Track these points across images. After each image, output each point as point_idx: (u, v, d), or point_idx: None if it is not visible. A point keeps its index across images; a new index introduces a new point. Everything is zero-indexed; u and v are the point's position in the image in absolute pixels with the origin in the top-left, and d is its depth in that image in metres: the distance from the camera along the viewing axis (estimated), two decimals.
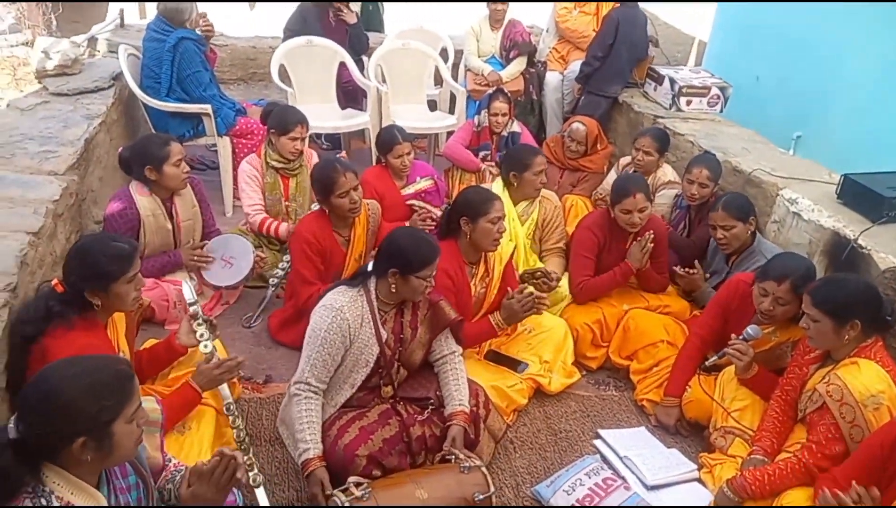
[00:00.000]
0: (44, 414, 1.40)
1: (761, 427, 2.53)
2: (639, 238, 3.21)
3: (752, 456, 2.45)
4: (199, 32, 4.24)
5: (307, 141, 3.76)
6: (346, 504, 2.04)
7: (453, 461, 2.28)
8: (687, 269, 3.29)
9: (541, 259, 3.56)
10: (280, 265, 3.45)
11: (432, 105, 5.45)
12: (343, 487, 2.11)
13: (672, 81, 4.73)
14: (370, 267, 2.39)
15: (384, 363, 2.39)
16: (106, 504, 1.50)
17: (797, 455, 2.27)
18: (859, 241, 2.83)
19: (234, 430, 2.30)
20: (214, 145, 4.37)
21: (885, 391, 2.17)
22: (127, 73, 4.18)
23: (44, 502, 1.39)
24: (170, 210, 3.18)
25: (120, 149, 3.20)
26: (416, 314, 2.47)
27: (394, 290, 2.34)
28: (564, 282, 3.34)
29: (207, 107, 4.14)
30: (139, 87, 4.18)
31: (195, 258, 3.25)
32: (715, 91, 4.73)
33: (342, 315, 2.29)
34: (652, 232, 3.15)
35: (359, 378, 2.38)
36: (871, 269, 2.74)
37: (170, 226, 3.19)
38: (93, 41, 5.24)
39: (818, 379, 2.34)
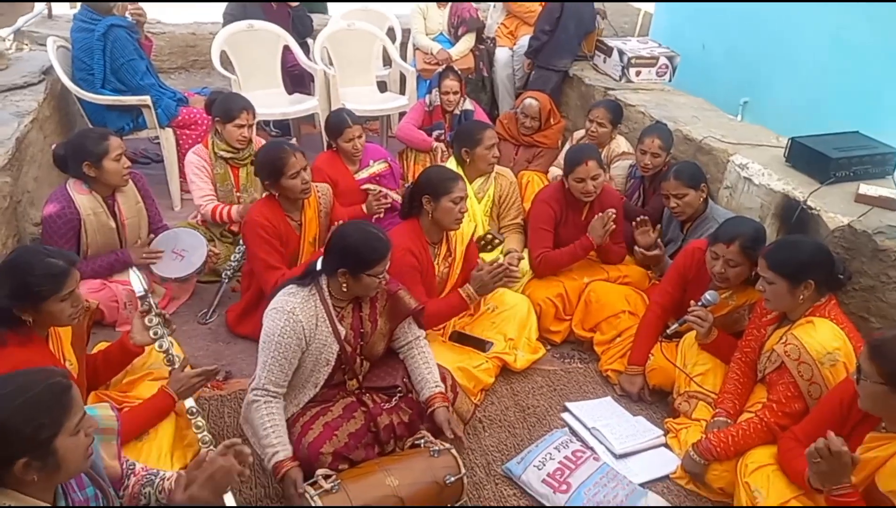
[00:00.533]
0: None
1: (723, 389, 2.58)
2: (598, 212, 3.21)
3: (715, 419, 2.49)
4: (129, 19, 4.05)
5: (255, 128, 3.64)
6: (316, 498, 2.00)
7: (423, 445, 2.26)
8: (642, 250, 3.29)
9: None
10: (232, 257, 3.36)
11: (382, 86, 5.36)
12: (311, 481, 2.08)
13: (621, 53, 4.74)
14: (319, 266, 2.29)
15: (345, 359, 2.34)
16: None
17: (758, 415, 2.32)
18: (809, 202, 2.89)
19: (198, 433, 2.22)
20: (157, 138, 4.20)
21: (841, 348, 2.22)
22: (57, 67, 3.98)
23: None
24: (112, 208, 3.04)
25: (54, 146, 3.03)
26: (374, 307, 2.40)
27: (345, 289, 2.26)
28: (525, 259, 3.34)
29: (146, 98, 3.98)
30: (71, 81, 3.98)
31: (145, 256, 3.12)
32: (663, 61, 4.75)
33: (294, 317, 2.20)
34: (614, 209, 3.15)
35: (321, 377, 2.32)
36: (820, 229, 2.80)
37: (113, 225, 3.05)
38: (19, 34, 4.97)
39: (776, 339, 2.39)
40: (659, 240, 3.31)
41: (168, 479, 1.76)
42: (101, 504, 1.58)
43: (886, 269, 2.56)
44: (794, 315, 2.38)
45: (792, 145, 3.22)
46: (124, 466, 1.80)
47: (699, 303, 2.68)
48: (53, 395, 1.40)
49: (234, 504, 2.04)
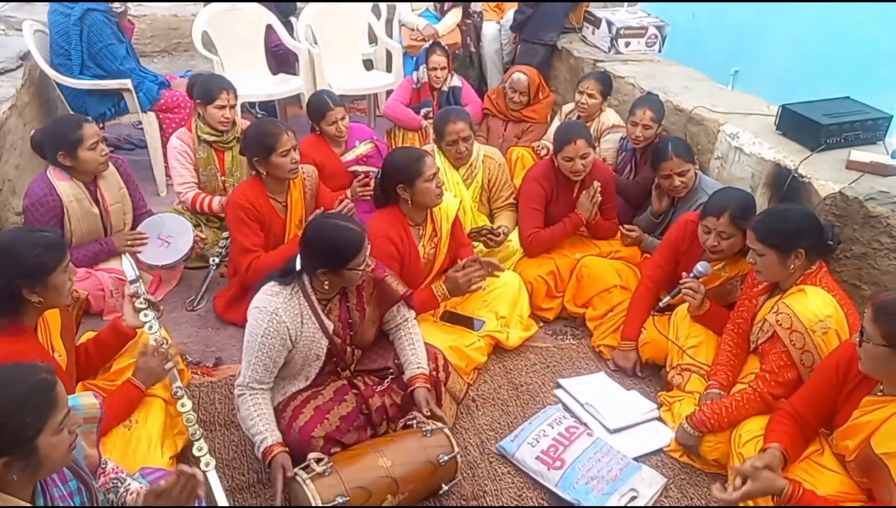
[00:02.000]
0: None
1: (716, 361, 2.57)
2: (586, 187, 3.18)
3: (708, 391, 2.49)
4: (106, 3, 3.95)
5: (239, 110, 3.58)
6: (308, 482, 1.99)
7: (415, 426, 2.25)
8: (627, 228, 3.28)
9: (491, 218, 3.50)
10: (220, 243, 3.32)
11: (368, 64, 5.27)
12: (303, 465, 2.06)
13: (609, 24, 4.66)
14: (297, 265, 2.23)
15: (336, 352, 2.31)
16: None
17: (752, 386, 2.31)
18: (799, 170, 2.86)
19: (184, 417, 2.20)
20: (140, 123, 4.13)
21: (832, 314, 2.21)
22: (35, 52, 3.89)
23: None
24: (94, 194, 2.99)
25: (32, 133, 2.96)
26: (361, 296, 2.36)
27: (328, 286, 2.22)
28: (515, 236, 3.31)
29: (127, 82, 3.89)
30: (50, 66, 3.89)
31: (129, 242, 3.07)
32: (652, 31, 4.68)
33: (278, 318, 2.16)
34: (598, 182, 3.12)
35: (313, 371, 2.30)
36: (812, 197, 2.77)
37: (97, 211, 3.00)
38: None
39: (767, 309, 2.38)
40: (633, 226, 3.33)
41: (132, 492, 1.72)
42: (84, 497, 1.56)
43: (878, 236, 2.54)
44: (785, 284, 2.36)
45: (782, 112, 3.18)
46: (100, 458, 1.77)
47: (691, 275, 2.66)
48: (39, 393, 1.37)
49: (220, 489, 2.06)
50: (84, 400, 1.80)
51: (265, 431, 2.12)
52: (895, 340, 1.78)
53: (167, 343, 2.35)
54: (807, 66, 4.64)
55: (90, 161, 2.88)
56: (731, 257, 2.68)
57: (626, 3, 5.65)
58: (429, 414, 2.26)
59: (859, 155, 2.82)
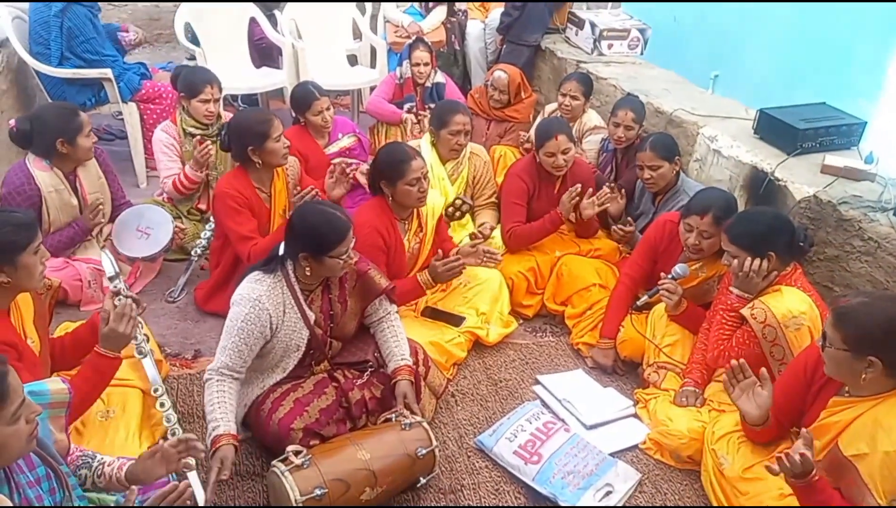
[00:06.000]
0: None
1: (691, 359, 2.62)
2: (568, 182, 3.21)
3: (683, 388, 2.53)
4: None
5: (222, 103, 3.55)
6: (287, 474, 1.99)
7: (394, 419, 2.26)
8: (620, 227, 3.30)
9: (473, 215, 3.52)
10: (202, 235, 3.29)
11: (352, 60, 5.26)
12: (282, 457, 2.06)
13: (593, 25, 4.71)
14: (281, 251, 2.23)
15: (316, 344, 2.31)
16: (9, 505, 1.39)
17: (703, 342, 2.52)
18: (776, 174, 2.92)
19: (164, 416, 2.18)
20: (120, 113, 4.08)
21: (807, 312, 2.26)
22: (14, 38, 3.83)
23: None
24: (73, 184, 2.96)
25: (13, 122, 2.91)
26: (343, 288, 2.37)
27: (309, 273, 2.21)
28: (497, 234, 3.33)
29: (107, 72, 3.85)
30: (28, 53, 3.84)
31: (91, 215, 3.00)
32: (635, 33, 4.74)
33: (260, 305, 2.15)
34: (579, 185, 3.14)
35: (291, 362, 2.29)
36: (787, 200, 2.83)
37: (76, 202, 2.97)
38: None
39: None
40: (629, 218, 3.33)
41: (108, 464, 1.71)
42: (53, 483, 1.54)
43: (850, 239, 2.61)
44: (760, 285, 2.40)
45: (760, 117, 3.24)
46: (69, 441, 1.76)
47: (669, 276, 2.70)
48: None
49: (200, 490, 2.04)
50: (52, 385, 1.76)
51: (220, 419, 2.09)
52: (855, 344, 1.81)
53: (146, 338, 2.32)
54: (785, 72, 4.73)
55: (87, 148, 2.87)
56: (708, 258, 2.72)
57: (609, 5, 5.72)
58: (402, 408, 2.26)
59: (834, 159, 2.89)
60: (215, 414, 2.11)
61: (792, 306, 2.27)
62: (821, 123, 3.07)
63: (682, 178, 3.18)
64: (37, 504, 1.48)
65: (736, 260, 2.36)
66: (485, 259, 2.90)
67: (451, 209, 3.23)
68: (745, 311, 2.34)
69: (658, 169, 3.07)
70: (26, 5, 3.91)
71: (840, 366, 1.88)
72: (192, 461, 2.04)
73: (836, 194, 2.69)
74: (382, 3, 5.25)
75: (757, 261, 2.32)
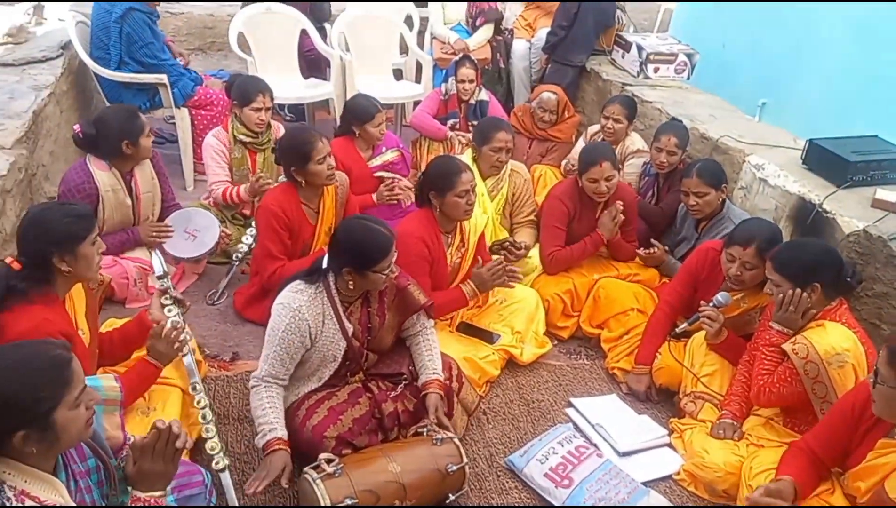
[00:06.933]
0: None
1: (730, 391, 2.57)
2: (609, 207, 3.20)
3: (721, 420, 2.48)
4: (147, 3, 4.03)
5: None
6: (318, 481, 2.01)
7: (425, 434, 2.26)
8: (647, 251, 3.28)
9: (511, 232, 3.53)
10: (244, 239, 3.36)
11: (398, 74, 5.34)
12: (314, 464, 2.08)
13: (640, 48, 4.70)
14: (325, 264, 2.27)
15: (353, 355, 2.34)
16: (64, 490, 1.43)
17: (744, 374, 2.51)
18: (824, 206, 2.86)
19: (199, 410, 2.23)
20: (172, 117, 4.21)
21: (851, 349, 2.20)
22: (76, 42, 3.99)
23: None
24: (129, 183, 3.06)
25: (78, 127, 2.99)
26: (382, 301, 2.39)
27: (352, 287, 2.24)
28: (535, 253, 3.33)
29: (163, 77, 3.98)
30: (90, 57, 3.98)
31: (154, 233, 3.13)
32: (682, 58, 4.71)
33: (300, 315, 2.19)
34: (621, 201, 3.14)
35: (327, 372, 2.32)
36: (835, 233, 2.77)
37: (129, 202, 3.07)
38: (39, 8, 4.97)
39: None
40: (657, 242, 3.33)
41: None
42: (101, 476, 1.58)
43: None
44: (803, 318, 2.35)
45: (809, 147, 3.19)
46: (126, 438, 1.80)
47: (711, 304, 2.66)
48: (54, 369, 1.40)
49: (232, 490, 2.08)
50: (105, 381, 1.83)
51: (274, 422, 2.14)
52: None
53: (184, 331, 2.37)
54: (835, 103, 4.62)
55: (148, 148, 2.99)
56: (751, 288, 2.68)
57: (656, 29, 5.70)
58: (435, 420, 2.27)
59: (885, 194, 2.82)
60: (268, 418, 2.15)
61: (835, 342, 2.21)
62: (873, 156, 3.00)
63: (728, 206, 3.13)
64: (86, 494, 1.52)
65: (778, 290, 2.32)
66: (506, 278, 2.87)
67: (496, 246, 3.24)
68: (787, 346, 2.29)
69: (704, 196, 3.04)
70: (90, 10, 4.06)
71: (892, 405, 1.83)
72: (223, 460, 2.09)
73: (887, 229, 2.63)
74: (430, 20, 5.32)
75: (798, 292, 2.28)
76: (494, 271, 2.77)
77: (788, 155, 3.34)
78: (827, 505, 2.01)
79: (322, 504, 1.98)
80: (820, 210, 2.86)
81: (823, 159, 3.10)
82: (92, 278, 2.19)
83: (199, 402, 2.25)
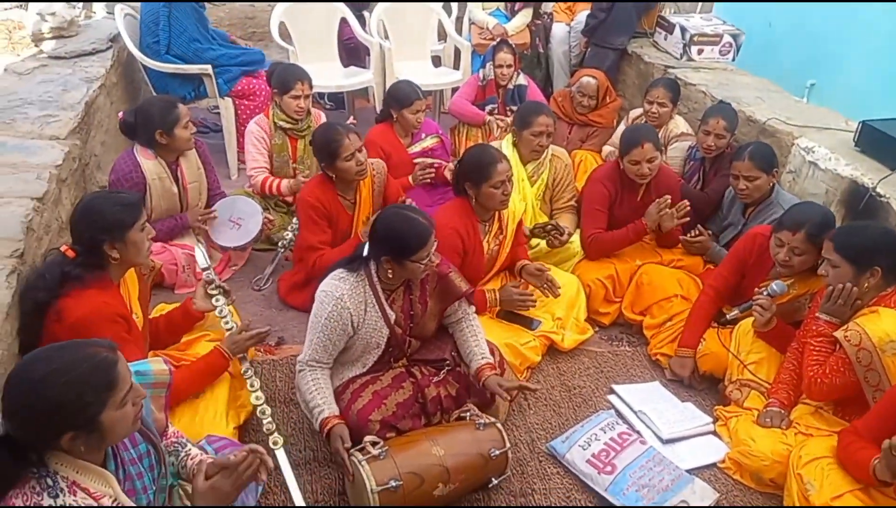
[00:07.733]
0: (25, 417, 1.35)
1: (777, 379, 2.52)
2: (654, 193, 3.13)
3: (768, 409, 2.44)
4: None
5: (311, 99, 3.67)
6: (364, 463, 2.05)
7: (468, 418, 2.28)
8: (691, 234, 3.22)
9: (551, 218, 3.50)
10: (289, 227, 3.42)
11: (436, 61, 5.33)
12: (359, 446, 2.12)
13: (683, 30, 4.59)
14: (365, 252, 2.29)
15: (395, 342, 2.36)
16: (114, 481, 1.47)
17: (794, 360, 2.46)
18: (878, 189, 2.77)
19: (252, 394, 2.29)
20: (216, 107, 4.28)
21: None
22: (124, 34, 4.08)
23: (49, 482, 1.37)
24: (175, 172, 3.14)
25: (121, 114, 3.12)
26: (424, 289, 2.41)
27: (391, 275, 2.26)
28: (576, 238, 3.30)
29: (208, 68, 4.05)
30: (138, 48, 4.08)
31: (200, 217, 3.20)
32: (727, 39, 4.59)
33: (343, 304, 2.21)
34: (668, 197, 3.07)
35: (370, 359, 2.35)
36: (890, 218, 2.69)
37: (176, 190, 3.15)
38: (88, 1, 5.11)
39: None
40: (701, 227, 3.25)
41: (192, 457, 1.79)
42: (153, 459, 1.62)
43: None
44: (852, 309, 2.29)
45: (862, 129, 3.08)
46: (167, 420, 1.85)
47: (765, 292, 2.59)
48: (100, 372, 1.40)
49: (288, 466, 2.12)
50: (155, 366, 1.87)
51: (323, 404, 2.19)
52: None
53: (236, 325, 2.44)
54: (886, 83, 4.45)
55: (184, 139, 3.05)
56: (801, 274, 2.61)
57: (698, 7, 5.56)
58: (508, 398, 2.31)
59: None
60: (317, 401, 2.20)
61: (890, 329, 2.15)
62: None
63: (777, 190, 3.06)
64: (137, 480, 1.56)
65: (835, 272, 2.26)
66: (545, 287, 2.87)
67: (538, 229, 3.22)
68: (839, 334, 2.23)
69: (755, 180, 2.97)
70: (137, 4, 4.16)
71: None
72: (280, 438, 2.15)
73: None
74: (468, 5, 5.29)
75: (849, 286, 2.23)
76: (523, 298, 2.77)
77: (839, 137, 3.24)
78: (862, 505, 1.96)
79: (367, 485, 2.02)
80: (873, 193, 2.78)
81: (877, 141, 3.00)
82: (143, 263, 2.28)
83: (251, 386, 2.31)
